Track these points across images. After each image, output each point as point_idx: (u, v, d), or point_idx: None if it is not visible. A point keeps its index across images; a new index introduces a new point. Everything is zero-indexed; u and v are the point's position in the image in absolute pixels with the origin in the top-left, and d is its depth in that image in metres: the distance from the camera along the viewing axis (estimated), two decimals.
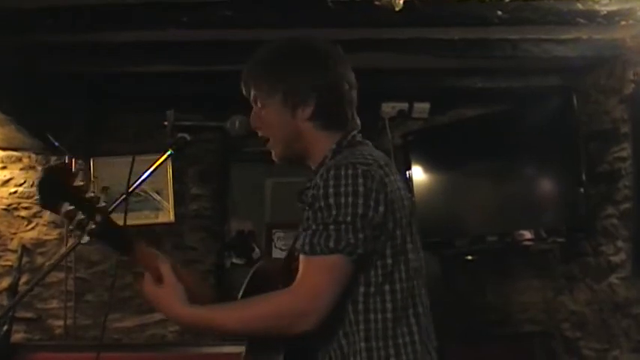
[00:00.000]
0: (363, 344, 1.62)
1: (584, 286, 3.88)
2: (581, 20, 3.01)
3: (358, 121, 1.83)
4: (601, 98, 3.74)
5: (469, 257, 4.05)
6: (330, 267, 1.56)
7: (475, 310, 4.21)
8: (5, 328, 3.78)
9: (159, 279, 1.68)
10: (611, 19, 3.01)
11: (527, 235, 3.75)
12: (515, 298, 4.29)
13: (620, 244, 3.56)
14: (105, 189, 1.72)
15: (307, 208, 1.63)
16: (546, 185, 3.78)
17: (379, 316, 1.63)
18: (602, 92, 3.73)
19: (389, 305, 1.63)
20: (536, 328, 4.24)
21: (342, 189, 1.57)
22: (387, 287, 1.63)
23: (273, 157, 1.85)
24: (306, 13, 2.96)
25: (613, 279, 3.62)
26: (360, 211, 1.56)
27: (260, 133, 1.85)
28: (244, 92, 1.86)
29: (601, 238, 3.71)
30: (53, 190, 1.60)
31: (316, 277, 1.57)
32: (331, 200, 1.57)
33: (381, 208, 1.59)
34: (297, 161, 1.85)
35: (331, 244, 1.55)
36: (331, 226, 1.56)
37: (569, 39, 3.37)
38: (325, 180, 1.59)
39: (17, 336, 4.02)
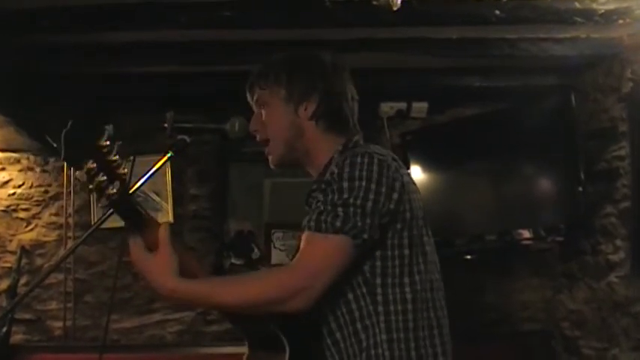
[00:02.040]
0: (384, 336, 1.60)
1: (584, 284, 3.88)
2: (579, 19, 3.01)
3: (360, 133, 1.85)
4: (599, 97, 3.74)
5: (468, 256, 4.05)
6: (333, 247, 1.55)
7: (474, 309, 4.21)
8: (4, 329, 3.78)
9: (151, 246, 1.59)
10: (608, 17, 3.01)
11: (526, 234, 3.75)
12: (514, 297, 4.29)
13: (619, 242, 3.57)
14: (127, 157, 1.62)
15: (319, 193, 1.62)
16: (545, 184, 3.77)
17: (399, 307, 1.61)
18: (601, 91, 3.73)
19: (409, 297, 1.62)
20: (535, 327, 4.24)
21: (357, 173, 1.58)
22: (406, 279, 1.63)
23: (270, 162, 1.86)
24: (304, 13, 2.97)
25: (612, 278, 3.62)
26: (371, 196, 1.56)
27: (259, 137, 1.85)
28: (248, 97, 1.89)
29: (600, 237, 3.71)
30: (79, 143, 1.51)
31: (318, 255, 1.55)
32: (344, 184, 1.57)
33: (395, 195, 1.60)
34: (295, 163, 1.86)
35: (338, 224, 1.54)
36: (339, 208, 1.55)
37: (567, 38, 3.37)
38: (341, 167, 1.61)
39: (16, 337, 4.02)
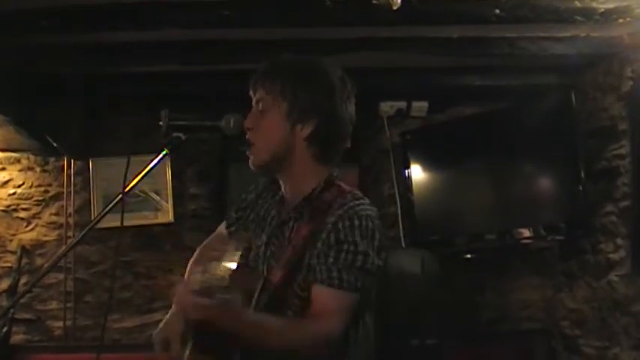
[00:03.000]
0: None
1: (584, 283, 3.88)
2: (579, 18, 3.01)
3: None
4: (599, 96, 3.74)
5: (468, 256, 4.05)
6: (351, 302, 1.75)
7: (474, 308, 4.21)
8: (5, 329, 3.78)
9: None
10: (608, 16, 3.01)
11: (526, 233, 3.75)
12: (514, 297, 4.29)
13: (619, 241, 3.56)
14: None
15: (327, 245, 1.76)
16: (545, 183, 3.77)
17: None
18: (600, 90, 3.73)
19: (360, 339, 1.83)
20: (535, 326, 4.24)
21: (367, 239, 1.76)
22: (352, 332, 1.80)
23: (251, 163, 1.88)
24: (304, 12, 2.96)
25: (612, 276, 3.61)
26: (376, 262, 1.78)
27: (248, 135, 1.87)
28: (250, 91, 1.89)
29: (600, 236, 3.70)
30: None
31: (344, 311, 1.74)
32: (360, 248, 1.75)
33: (381, 262, 1.81)
34: (273, 172, 1.92)
35: (358, 284, 1.74)
36: (356, 271, 1.74)
37: (567, 37, 3.37)
38: (349, 227, 1.76)
39: (17, 337, 4.02)
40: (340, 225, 1.76)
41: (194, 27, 3.02)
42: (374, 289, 1.85)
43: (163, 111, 1.94)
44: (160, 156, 1.91)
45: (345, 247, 1.74)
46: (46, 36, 3.09)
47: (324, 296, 1.73)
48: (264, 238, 1.91)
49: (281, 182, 1.92)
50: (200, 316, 1.61)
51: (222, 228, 2.17)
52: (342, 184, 1.90)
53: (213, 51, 3.37)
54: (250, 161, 1.88)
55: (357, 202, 1.82)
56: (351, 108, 1.89)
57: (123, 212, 1.77)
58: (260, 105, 1.85)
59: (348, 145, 1.93)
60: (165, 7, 2.89)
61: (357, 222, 1.76)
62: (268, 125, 1.83)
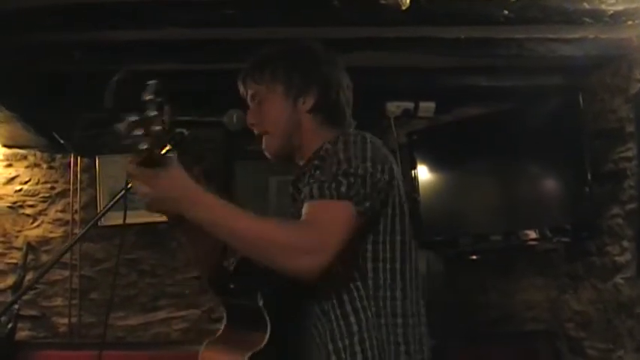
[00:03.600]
0: (374, 320, 1.63)
1: (589, 285, 3.87)
2: (588, 20, 3.00)
3: (353, 123, 1.88)
4: (607, 97, 3.73)
5: (473, 257, 4.04)
6: (340, 210, 1.53)
7: (479, 309, 4.21)
8: (10, 325, 3.79)
9: None
10: (617, 18, 3.00)
11: (532, 234, 3.74)
12: (519, 298, 4.28)
13: (625, 244, 3.55)
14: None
15: (313, 170, 1.65)
16: (551, 184, 3.76)
17: (388, 293, 1.65)
18: (608, 91, 3.72)
19: (399, 284, 1.65)
20: (540, 327, 4.23)
21: (352, 150, 1.60)
22: (397, 265, 1.65)
23: (267, 154, 1.87)
24: (310, 11, 2.96)
25: (618, 279, 3.61)
26: (370, 170, 1.58)
27: (256, 130, 1.87)
28: (241, 90, 1.90)
29: (606, 238, 3.70)
30: (125, 96, 1.59)
31: (325, 217, 1.52)
32: (341, 155, 1.59)
33: (386, 177, 1.62)
34: (291, 156, 1.87)
35: (343, 190, 1.53)
36: (340, 177, 1.55)
37: (576, 38, 3.36)
38: (334, 144, 1.64)
39: (22, 334, 4.03)
40: (327, 144, 1.67)
41: (196, 26, 3.01)
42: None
43: (165, 107, 1.94)
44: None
45: (328, 161, 1.61)
46: (48, 34, 3.09)
47: (305, 210, 1.55)
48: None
49: (298, 162, 1.88)
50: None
51: None
52: None
53: (216, 50, 3.37)
54: (266, 151, 1.86)
55: (355, 133, 1.71)
56: (343, 73, 1.87)
57: (125, 209, 1.77)
58: (256, 98, 1.85)
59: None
60: (167, 5, 2.89)
61: (342, 138, 1.64)
62: (272, 110, 1.82)
